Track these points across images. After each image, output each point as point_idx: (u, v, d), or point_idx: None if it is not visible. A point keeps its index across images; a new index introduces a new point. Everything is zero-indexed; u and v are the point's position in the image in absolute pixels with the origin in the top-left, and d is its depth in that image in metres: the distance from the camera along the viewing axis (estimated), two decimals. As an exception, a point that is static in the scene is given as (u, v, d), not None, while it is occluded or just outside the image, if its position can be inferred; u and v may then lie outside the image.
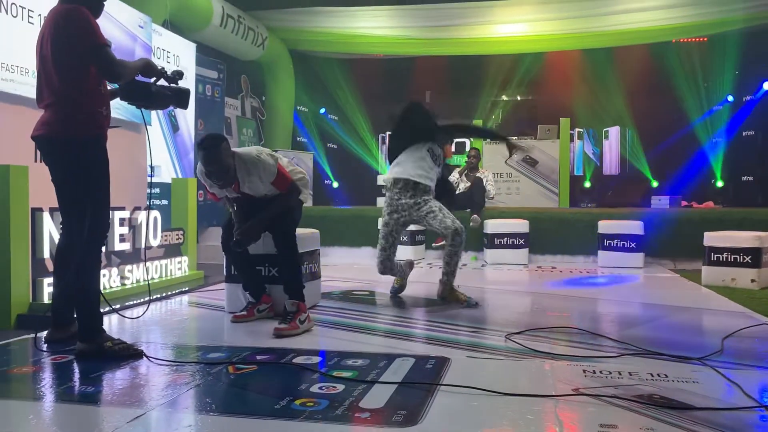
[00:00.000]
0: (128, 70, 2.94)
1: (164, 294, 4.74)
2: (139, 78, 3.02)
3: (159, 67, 3.07)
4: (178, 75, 3.14)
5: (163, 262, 5.25)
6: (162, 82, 3.09)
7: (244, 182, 3.63)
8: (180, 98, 3.17)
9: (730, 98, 10.89)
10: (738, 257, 5.30)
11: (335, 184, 12.08)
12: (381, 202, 8.78)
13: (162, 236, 5.20)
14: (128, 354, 2.90)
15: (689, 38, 10.73)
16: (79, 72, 2.83)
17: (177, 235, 5.47)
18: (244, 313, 3.86)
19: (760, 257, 5.23)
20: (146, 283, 4.03)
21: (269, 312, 3.90)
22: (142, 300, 4.25)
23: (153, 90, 3.03)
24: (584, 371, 2.67)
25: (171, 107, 3.21)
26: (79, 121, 2.84)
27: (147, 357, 2.88)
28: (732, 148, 10.74)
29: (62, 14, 2.81)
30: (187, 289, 5.06)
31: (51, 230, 3.85)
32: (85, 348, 2.90)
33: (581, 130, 11.14)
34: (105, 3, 3.07)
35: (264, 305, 3.92)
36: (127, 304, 4.19)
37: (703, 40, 10.84)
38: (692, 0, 9.46)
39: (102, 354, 2.87)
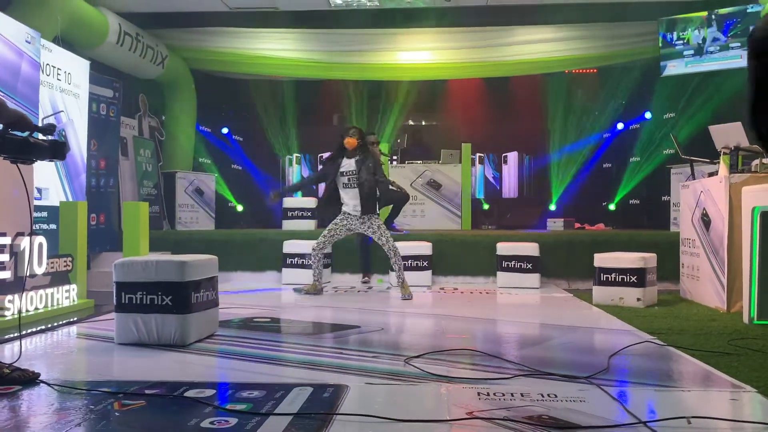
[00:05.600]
0: (2, 111, 2.80)
1: (49, 325, 4.45)
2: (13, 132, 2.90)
3: (33, 123, 2.96)
4: (51, 128, 3.05)
5: (49, 290, 4.94)
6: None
7: None
8: (56, 150, 3.06)
9: (620, 126, 11.61)
10: (625, 277, 5.60)
11: (239, 207, 11.82)
12: (287, 225, 8.71)
13: (48, 263, 4.90)
14: (27, 379, 2.89)
15: (581, 69, 11.40)
16: None
17: (65, 261, 5.17)
18: None
19: (645, 277, 5.56)
20: (30, 313, 3.77)
21: None
22: (12, 335, 3.95)
23: (31, 142, 2.92)
24: (479, 394, 2.72)
25: (47, 159, 3.08)
26: None
27: (43, 382, 2.87)
28: (620, 172, 11.42)
29: None
30: (75, 319, 4.78)
31: None
32: None
33: (482, 155, 11.52)
34: None
35: None
36: (6, 337, 3.90)
37: (593, 72, 11.54)
38: (582, 34, 10.08)
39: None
